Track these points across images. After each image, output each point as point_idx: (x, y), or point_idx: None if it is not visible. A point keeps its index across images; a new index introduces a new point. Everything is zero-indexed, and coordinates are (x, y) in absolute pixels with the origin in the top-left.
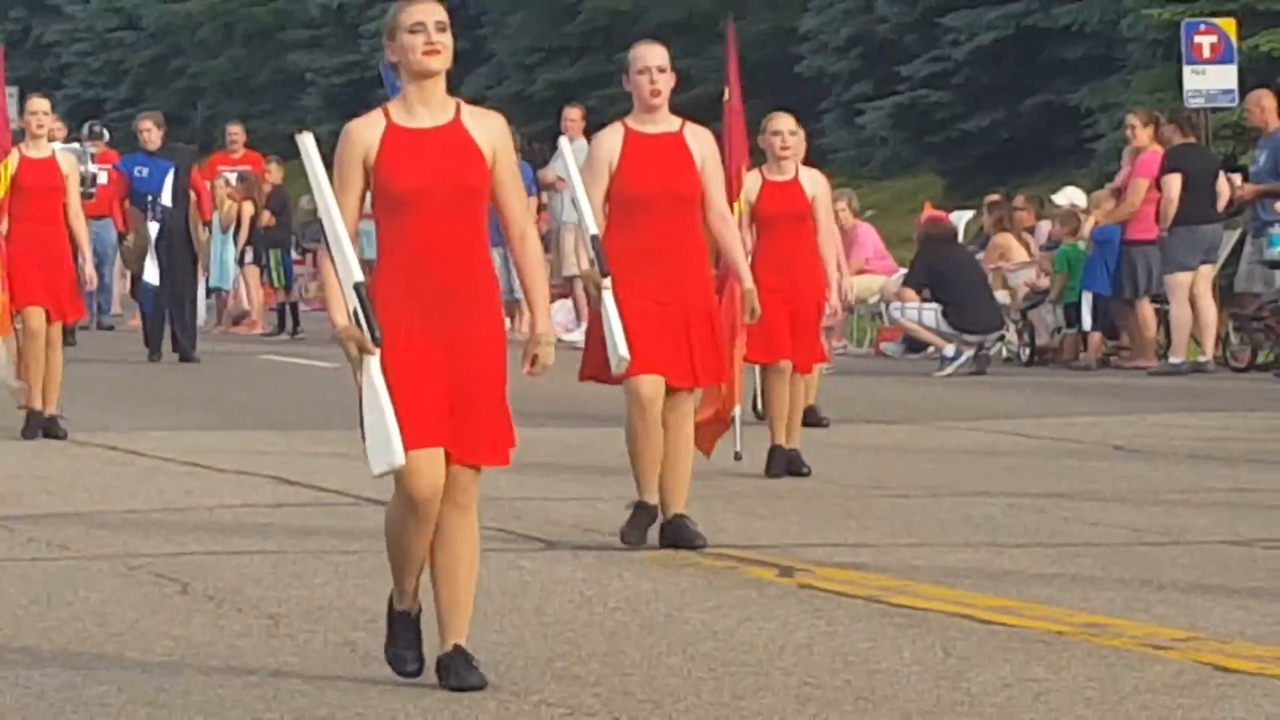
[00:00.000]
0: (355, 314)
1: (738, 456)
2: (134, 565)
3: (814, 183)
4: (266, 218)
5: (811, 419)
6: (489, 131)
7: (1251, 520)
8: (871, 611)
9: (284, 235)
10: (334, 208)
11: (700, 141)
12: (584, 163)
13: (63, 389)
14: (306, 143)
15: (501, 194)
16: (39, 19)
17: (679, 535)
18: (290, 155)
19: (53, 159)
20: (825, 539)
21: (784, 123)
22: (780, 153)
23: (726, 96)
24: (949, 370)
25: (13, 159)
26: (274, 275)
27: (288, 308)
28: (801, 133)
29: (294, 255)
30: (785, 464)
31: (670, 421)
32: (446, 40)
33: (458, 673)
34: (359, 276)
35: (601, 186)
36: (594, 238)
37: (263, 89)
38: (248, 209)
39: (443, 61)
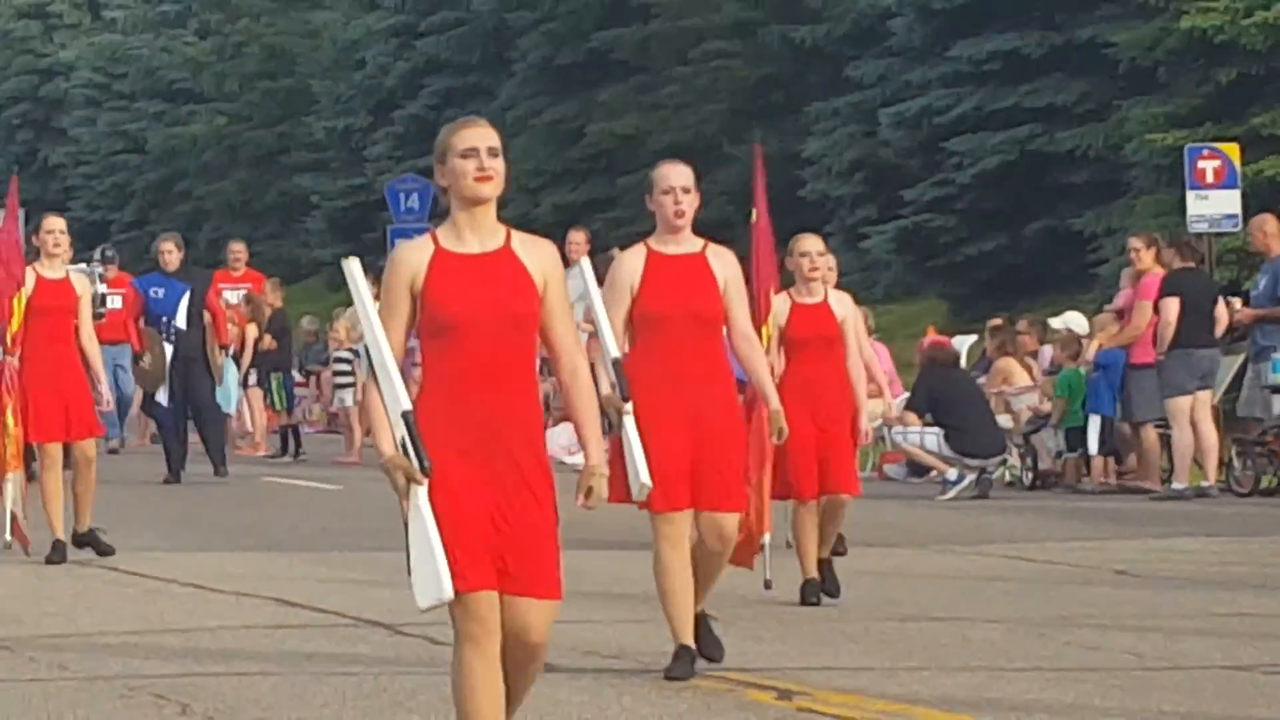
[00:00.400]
0: (403, 443)
1: (767, 585)
2: (134, 686)
3: (843, 304)
4: (268, 341)
5: (837, 548)
6: (540, 259)
7: (1253, 646)
8: None
9: (285, 358)
10: (381, 335)
11: (724, 263)
12: (605, 284)
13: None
14: (353, 268)
15: (552, 324)
16: (45, 141)
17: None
18: (292, 279)
19: (67, 279)
20: (825, 662)
21: (812, 244)
22: (809, 274)
23: (754, 218)
24: (951, 494)
25: (29, 280)
26: (275, 398)
27: (289, 430)
28: (830, 255)
29: (296, 377)
30: (818, 594)
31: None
32: (499, 165)
33: None
34: (407, 405)
35: (623, 308)
36: (615, 361)
37: (268, 212)
38: (251, 331)
39: (495, 187)
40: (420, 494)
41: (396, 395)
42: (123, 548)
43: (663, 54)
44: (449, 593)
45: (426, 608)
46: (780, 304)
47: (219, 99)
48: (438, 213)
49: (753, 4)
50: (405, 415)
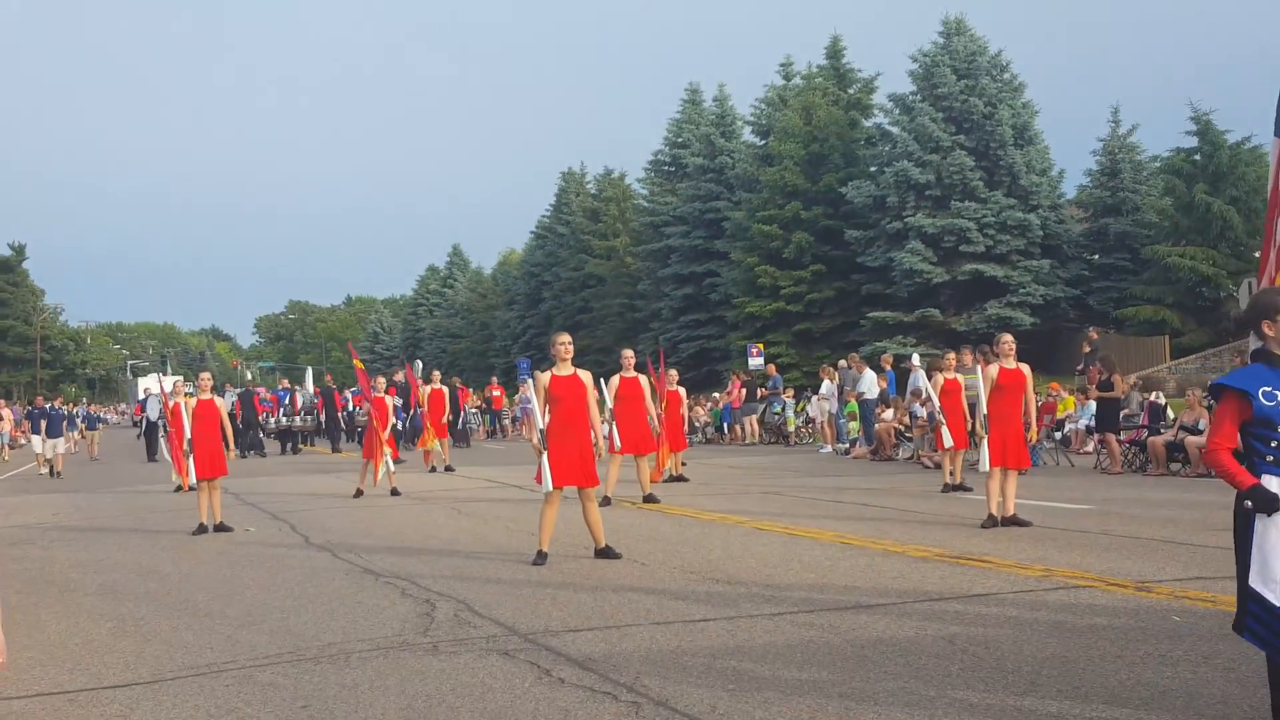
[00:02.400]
0: (540, 435)
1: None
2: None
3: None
4: None
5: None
6: (586, 376)
7: None
8: None
9: None
10: (536, 404)
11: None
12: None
13: None
14: (536, 376)
15: (590, 398)
16: None
17: (607, 553)
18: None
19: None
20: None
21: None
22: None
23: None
24: None
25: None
26: None
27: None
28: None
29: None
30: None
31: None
32: (571, 348)
33: (606, 553)
34: (541, 426)
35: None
36: (541, 432)
37: None
38: None
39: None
40: (544, 456)
41: (539, 423)
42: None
43: None
44: (549, 487)
45: (546, 491)
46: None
47: None
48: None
49: None
50: (541, 431)
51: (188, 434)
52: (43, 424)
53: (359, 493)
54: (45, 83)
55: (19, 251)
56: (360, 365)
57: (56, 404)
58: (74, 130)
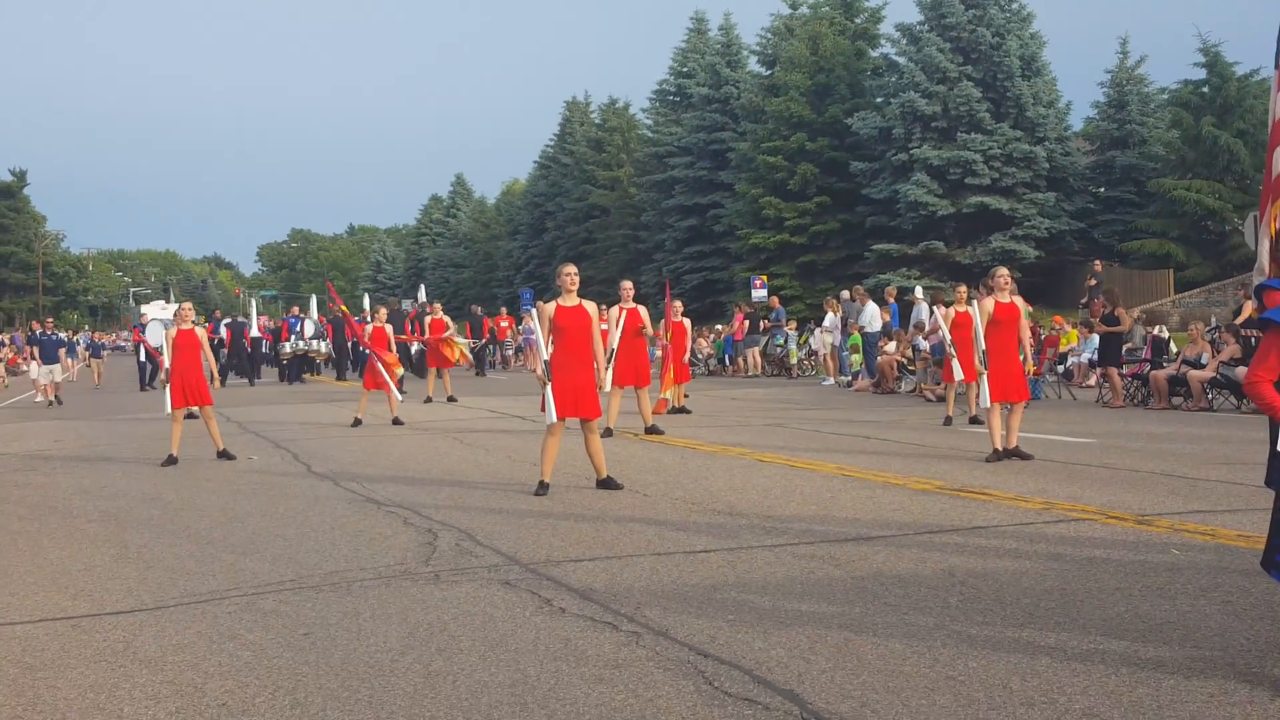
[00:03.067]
0: (544, 365)
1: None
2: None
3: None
4: None
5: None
6: (591, 307)
7: None
8: None
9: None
10: (540, 333)
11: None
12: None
13: None
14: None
15: (594, 328)
16: None
17: (608, 484)
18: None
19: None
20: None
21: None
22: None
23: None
24: None
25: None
26: None
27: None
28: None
29: None
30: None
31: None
32: (576, 279)
33: (608, 484)
34: (545, 357)
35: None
36: (545, 363)
37: None
38: None
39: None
40: (548, 387)
41: (544, 352)
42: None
43: None
44: (554, 418)
45: (549, 423)
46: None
47: None
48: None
49: None
50: (545, 362)
51: (166, 364)
52: (36, 350)
53: (357, 421)
54: (46, 4)
55: (20, 178)
56: (344, 308)
57: (49, 329)
58: (74, 54)
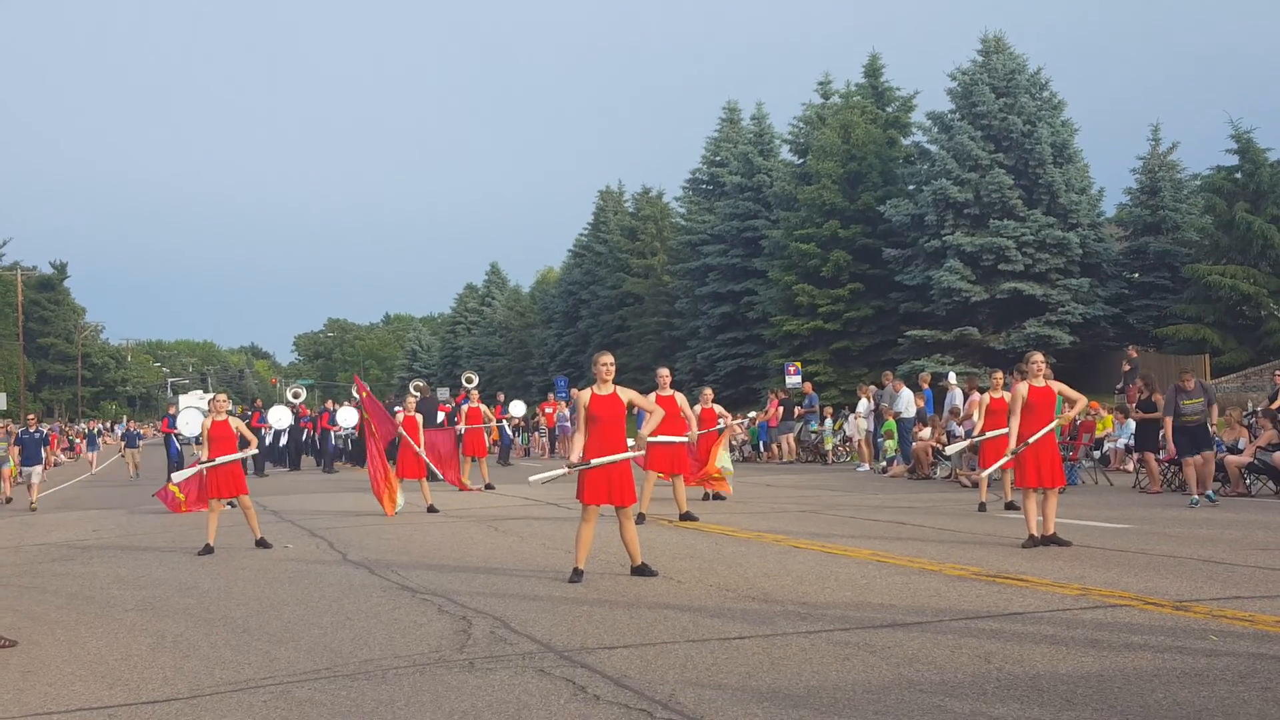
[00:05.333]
0: (576, 460)
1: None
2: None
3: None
4: None
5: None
6: (625, 394)
7: None
8: None
9: None
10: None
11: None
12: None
13: None
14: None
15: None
16: None
17: (643, 571)
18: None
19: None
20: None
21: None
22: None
23: None
24: None
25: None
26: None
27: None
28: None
29: None
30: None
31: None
32: (612, 369)
33: (642, 571)
34: (579, 452)
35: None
36: (578, 460)
37: None
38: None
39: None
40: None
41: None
42: None
43: None
44: (587, 502)
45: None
46: (1022, 388)
47: None
48: None
49: None
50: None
51: (203, 456)
52: (18, 451)
53: (432, 508)
54: (85, 104)
55: (60, 270)
56: (366, 394)
57: (32, 424)
58: (114, 150)
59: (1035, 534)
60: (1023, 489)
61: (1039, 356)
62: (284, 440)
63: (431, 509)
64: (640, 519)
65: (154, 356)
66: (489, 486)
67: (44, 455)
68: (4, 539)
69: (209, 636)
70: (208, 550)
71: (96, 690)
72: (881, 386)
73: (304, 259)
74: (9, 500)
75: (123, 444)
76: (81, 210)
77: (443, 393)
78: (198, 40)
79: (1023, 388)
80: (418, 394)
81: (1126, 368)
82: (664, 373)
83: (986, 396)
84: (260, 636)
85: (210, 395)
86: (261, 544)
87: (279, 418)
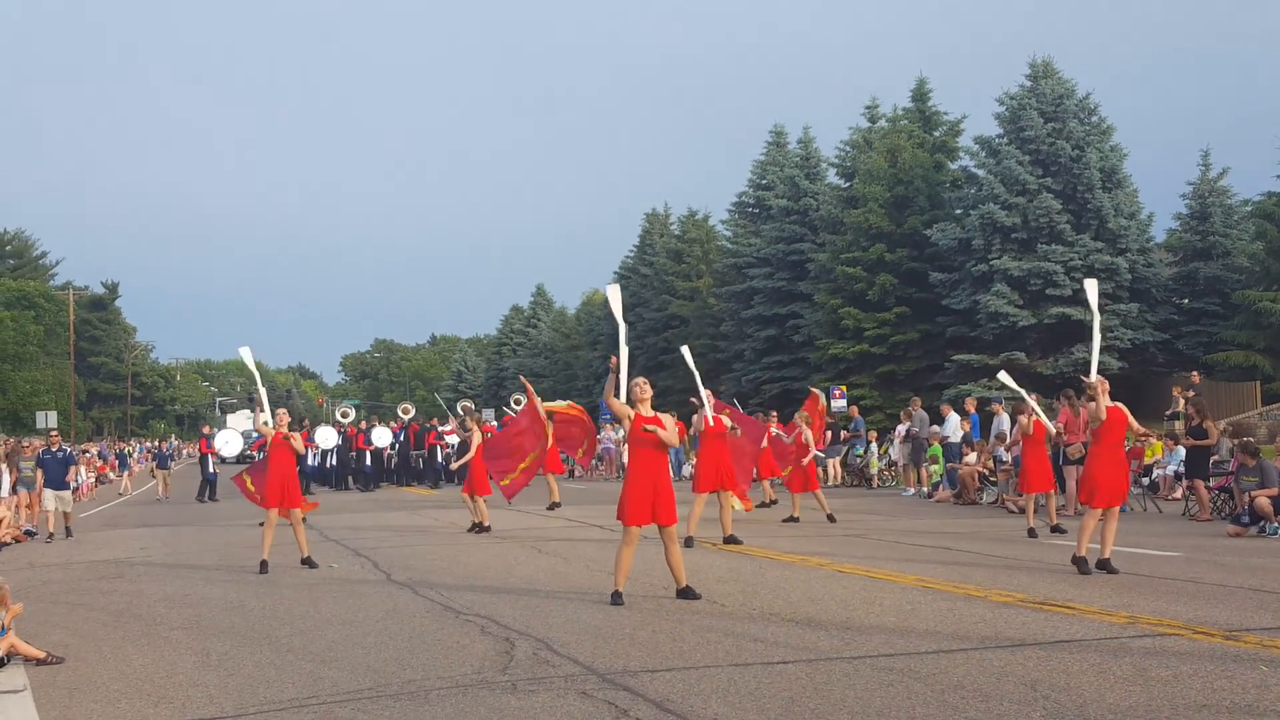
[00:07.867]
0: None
1: (689, 542)
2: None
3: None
4: None
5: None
6: (668, 420)
7: None
8: None
9: None
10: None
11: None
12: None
13: None
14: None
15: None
16: None
17: (687, 594)
18: None
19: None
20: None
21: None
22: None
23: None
24: None
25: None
26: None
27: None
28: None
29: None
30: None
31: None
32: (647, 390)
33: (686, 594)
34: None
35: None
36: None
37: None
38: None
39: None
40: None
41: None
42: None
43: None
44: (629, 522)
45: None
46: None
47: None
48: None
49: None
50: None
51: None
52: (40, 473)
53: (482, 527)
54: (140, 129)
55: (112, 290)
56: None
57: (55, 444)
58: (167, 174)
59: (1084, 555)
60: (1088, 507)
61: (1100, 377)
62: (332, 460)
63: (478, 528)
64: (688, 543)
65: (202, 375)
66: (556, 505)
67: (76, 477)
68: (53, 557)
69: (254, 655)
70: (264, 568)
71: (142, 708)
72: (915, 411)
73: (352, 280)
74: (32, 534)
75: (154, 464)
76: (133, 232)
77: (488, 413)
78: (254, 73)
79: (1100, 408)
80: (463, 414)
81: (1189, 394)
82: (707, 393)
83: (1030, 421)
84: (304, 656)
85: (264, 415)
86: (308, 563)
87: (325, 437)
